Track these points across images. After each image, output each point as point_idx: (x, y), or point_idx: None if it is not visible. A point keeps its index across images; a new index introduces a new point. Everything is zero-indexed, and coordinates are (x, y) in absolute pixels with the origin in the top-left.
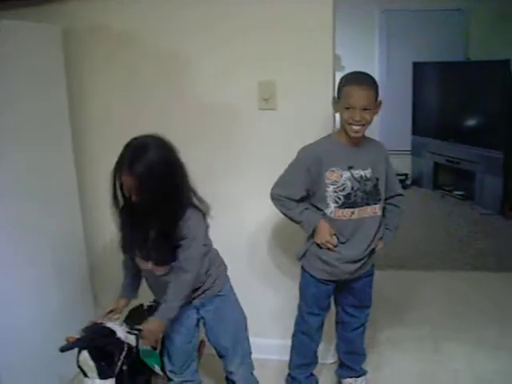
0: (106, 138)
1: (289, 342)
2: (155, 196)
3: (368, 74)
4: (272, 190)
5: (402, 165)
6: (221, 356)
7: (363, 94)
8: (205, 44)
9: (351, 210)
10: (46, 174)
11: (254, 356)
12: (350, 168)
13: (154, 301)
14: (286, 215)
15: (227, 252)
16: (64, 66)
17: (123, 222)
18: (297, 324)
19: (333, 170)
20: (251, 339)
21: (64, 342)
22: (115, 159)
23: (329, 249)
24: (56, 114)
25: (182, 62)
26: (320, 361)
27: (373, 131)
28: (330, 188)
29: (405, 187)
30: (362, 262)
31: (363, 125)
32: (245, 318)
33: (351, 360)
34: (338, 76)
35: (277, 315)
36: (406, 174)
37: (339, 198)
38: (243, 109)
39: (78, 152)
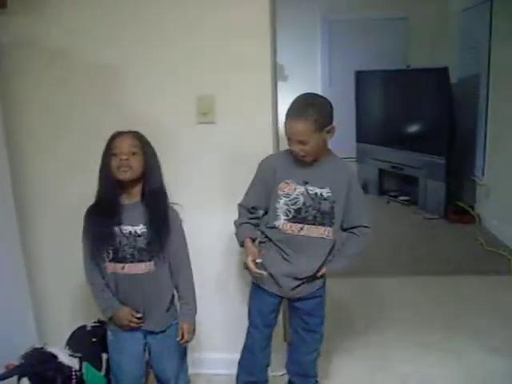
0: (39, 154)
1: (236, 357)
2: (154, 167)
3: (311, 103)
4: None
5: None
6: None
7: (297, 128)
8: (139, 58)
9: (300, 225)
10: None
11: (201, 371)
12: (305, 183)
13: (99, 321)
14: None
15: None
16: None
17: (99, 219)
18: (245, 339)
19: (287, 182)
20: (199, 354)
21: (2, 370)
22: (51, 177)
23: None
24: None
25: (117, 77)
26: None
27: None
28: (282, 200)
29: None
30: (304, 281)
31: (304, 155)
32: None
33: (302, 382)
34: (281, 86)
35: (226, 328)
36: None
37: (289, 212)
38: (181, 123)
39: (15, 174)
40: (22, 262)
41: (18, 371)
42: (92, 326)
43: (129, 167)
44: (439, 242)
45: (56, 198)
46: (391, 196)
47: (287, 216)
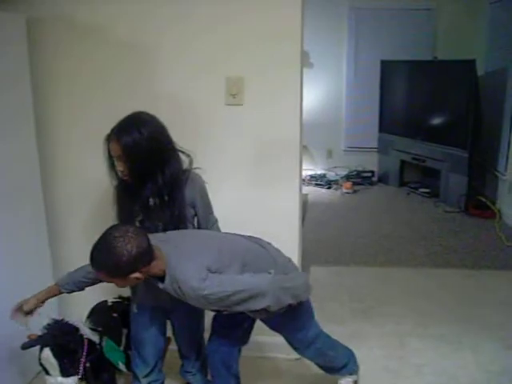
0: (70, 129)
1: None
2: (137, 166)
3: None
4: None
5: (369, 162)
6: (182, 356)
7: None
8: (172, 37)
9: None
10: (8, 164)
11: None
12: None
13: (119, 297)
14: None
15: None
16: (28, 56)
17: (120, 194)
18: None
19: None
20: None
21: (26, 339)
22: (78, 149)
23: None
24: (20, 105)
25: (148, 55)
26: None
27: (340, 128)
28: None
29: (371, 184)
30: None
31: None
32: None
33: (327, 370)
34: (306, 72)
35: None
36: (373, 171)
37: None
38: (210, 104)
39: (42, 143)
40: (45, 230)
41: (41, 341)
42: (113, 302)
43: (119, 171)
44: (459, 236)
45: (79, 170)
46: (411, 188)
47: None
